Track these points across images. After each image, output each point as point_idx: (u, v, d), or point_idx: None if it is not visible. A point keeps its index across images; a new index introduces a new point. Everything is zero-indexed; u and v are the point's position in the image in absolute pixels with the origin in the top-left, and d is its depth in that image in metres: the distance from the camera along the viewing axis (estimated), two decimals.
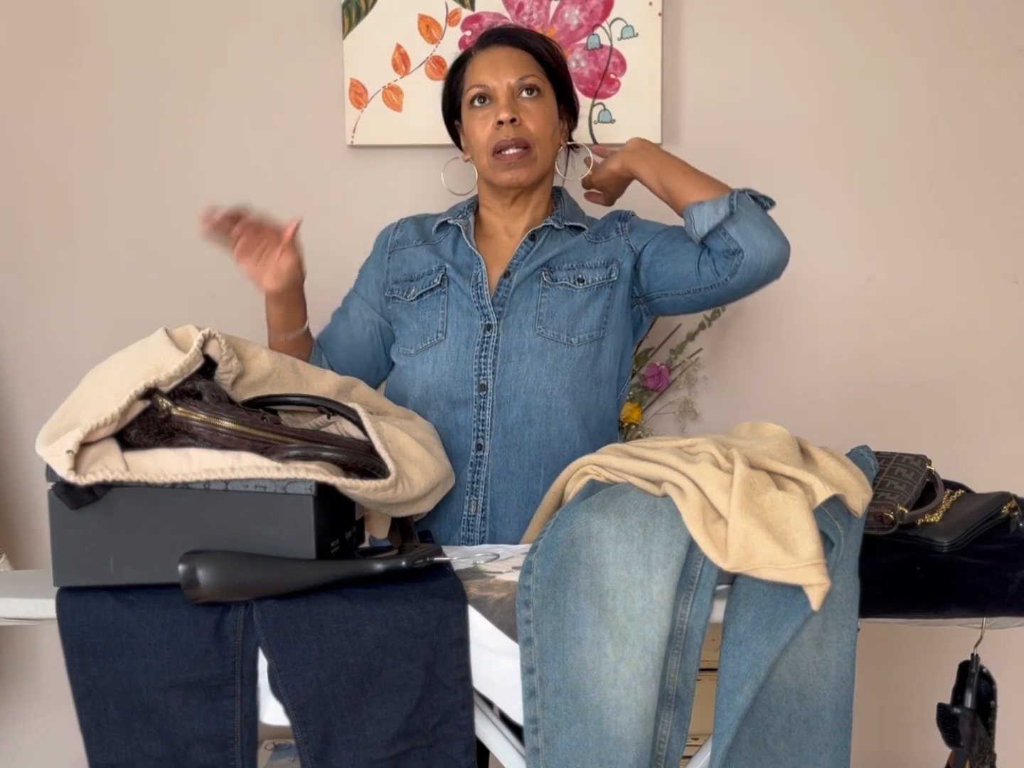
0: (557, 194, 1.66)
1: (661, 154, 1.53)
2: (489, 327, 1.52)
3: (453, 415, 1.51)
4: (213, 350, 1.17)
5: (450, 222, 1.62)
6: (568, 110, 1.61)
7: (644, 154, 1.53)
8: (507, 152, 1.51)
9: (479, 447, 1.51)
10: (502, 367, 1.50)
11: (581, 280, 1.55)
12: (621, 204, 1.69)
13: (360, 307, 1.65)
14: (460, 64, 1.58)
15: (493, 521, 1.50)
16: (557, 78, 1.57)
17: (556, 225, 1.58)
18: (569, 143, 1.66)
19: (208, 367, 1.19)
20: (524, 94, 1.52)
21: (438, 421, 1.52)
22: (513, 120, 1.49)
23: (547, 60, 1.55)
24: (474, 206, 1.64)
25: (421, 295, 1.57)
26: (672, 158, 1.53)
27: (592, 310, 1.54)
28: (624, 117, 2.09)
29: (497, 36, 1.56)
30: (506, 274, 1.55)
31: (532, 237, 1.58)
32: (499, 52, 1.54)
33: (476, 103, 1.54)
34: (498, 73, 1.52)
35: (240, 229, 1.46)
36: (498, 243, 1.61)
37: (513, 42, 1.54)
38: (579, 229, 1.60)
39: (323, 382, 1.32)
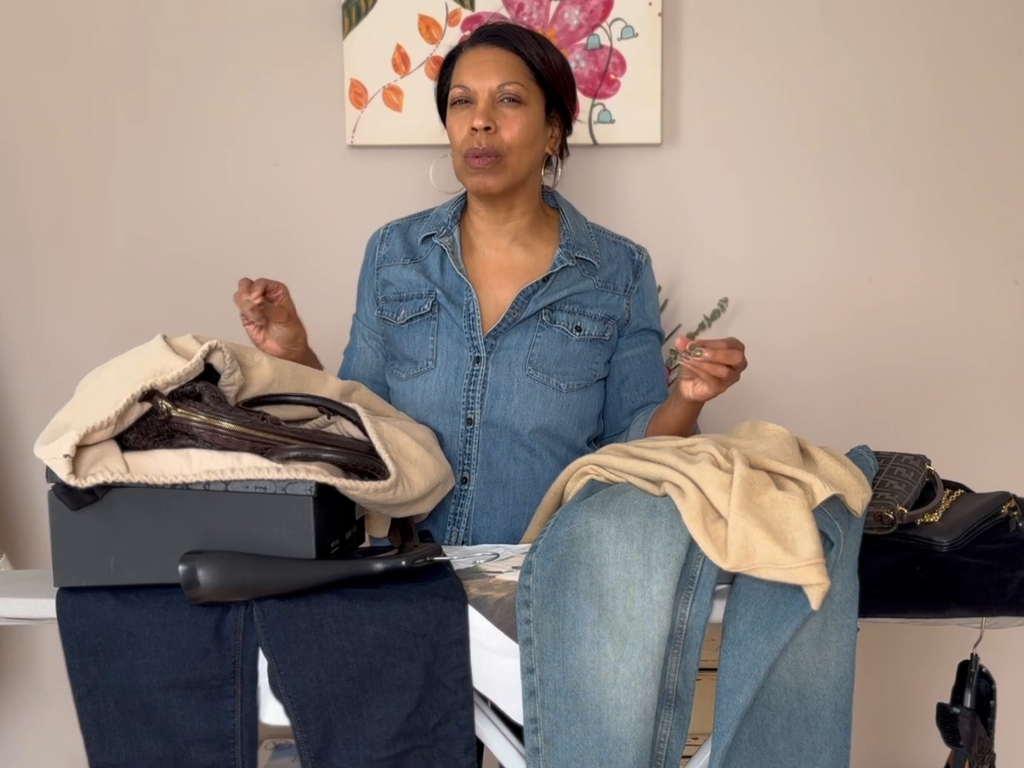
0: (550, 198, 1.62)
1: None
2: (478, 359, 1.50)
3: (440, 446, 1.48)
4: (217, 361, 1.17)
5: (435, 240, 1.56)
6: (560, 116, 1.55)
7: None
8: (476, 160, 1.46)
9: (464, 480, 1.51)
10: (490, 402, 1.50)
11: (579, 328, 1.53)
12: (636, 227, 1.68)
13: (365, 335, 1.62)
14: (451, 59, 1.53)
15: None
16: (548, 85, 1.50)
17: (570, 263, 1.54)
18: (559, 152, 1.60)
19: (210, 374, 1.19)
20: (504, 101, 1.46)
21: None
22: (488, 128, 1.45)
23: (537, 66, 1.48)
24: (457, 215, 1.58)
25: (411, 319, 1.54)
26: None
27: (584, 360, 1.53)
28: (624, 117, 2.09)
29: (488, 35, 1.49)
30: (512, 312, 1.51)
31: (545, 279, 1.53)
32: (487, 53, 1.47)
33: (457, 104, 1.49)
34: (481, 76, 1.46)
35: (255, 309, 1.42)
36: (485, 259, 1.56)
37: (503, 43, 1.48)
38: (588, 264, 1.56)
39: (325, 387, 1.32)
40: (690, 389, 1.37)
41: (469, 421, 1.50)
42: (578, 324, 1.53)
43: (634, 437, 1.54)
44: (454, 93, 1.49)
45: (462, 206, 1.60)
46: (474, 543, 1.50)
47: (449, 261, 1.55)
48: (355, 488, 1.14)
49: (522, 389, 1.50)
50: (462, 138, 1.48)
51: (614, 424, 1.61)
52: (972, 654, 1.23)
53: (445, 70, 1.54)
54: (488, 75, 1.46)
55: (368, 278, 1.62)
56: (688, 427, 1.49)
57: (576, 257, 1.55)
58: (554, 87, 1.51)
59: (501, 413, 1.49)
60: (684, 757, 1.15)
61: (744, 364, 1.36)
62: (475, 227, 1.58)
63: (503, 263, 1.56)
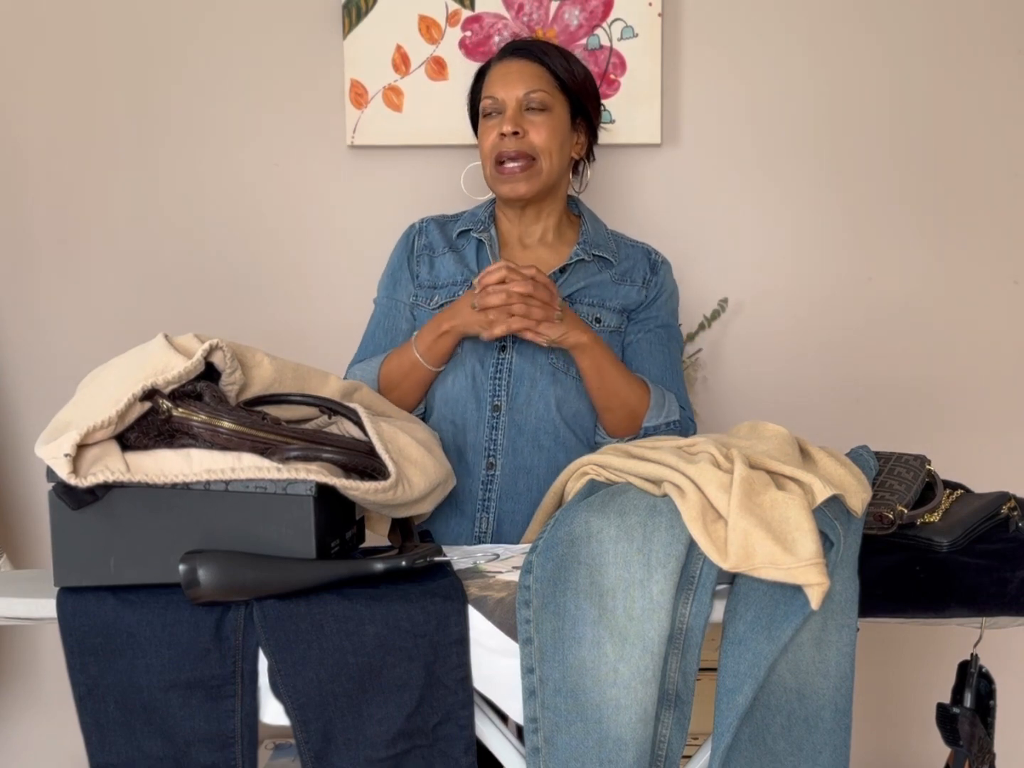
0: (573, 204, 1.68)
1: (603, 355, 1.49)
2: (504, 348, 1.56)
3: (466, 432, 1.55)
4: (218, 360, 1.17)
5: (473, 234, 1.63)
6: (586, 123, 1.63)
7: (591, 353, 1.48)
8: (507, 165, 1.54)
9: (490, 466, 1.55)
10: (515, 389, 1.54)
11: (599, 320, 1.58)
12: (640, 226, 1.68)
13: (405, 317, 1.63)
14: (481, 74, 1.62)
15: (499, 540, 1.53)
16: (572, 93, 1.58)
17: (586, 258, 1.60)
18: (585, 157, 1.67)
19: (211, 373, 1.19)
20: (531, 108, 1.54)
21: (452, 434, 1.55)
22: (516, 133, 1.52)
23: (561, 75, 1.56)
24: (493, 214, 1.65)
25: (443, 305, 1.58)
26: (609, 358, 1.50)
27: None
28: (624, 117, 2.09)
29: (514, 49, 1.59)
30: None
31: (562, 270, 1.59)
32: (512, 65, 1.56)
33: (488, 115, 1.56)
34: (508, 86, 1.54)
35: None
36: (513, 255, 1.63)
37: (527, 55, 1.57)
38: (606, 260, 1.61)
39: (327, 387, 1.32)
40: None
41: (495, 408, 1.54)
42: (597, 316, 1.58)
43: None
44: (484, 104, 1.57)
45: (494, 208, 1.66)
46: (499, 528, 1.54)
47: (487, 253, 1.61)
48: (355, 488, 1.14)
49: (545, 376, 1.54)
50: (490, 144, 1.55)
51: None
52: (972, 654, 1.23)
53: (475, 86, 1.63)
54: (514, 84, 1.54)
55: (409, 263, 1.65)
56: (594, 378, 1.49)
57: (593, 254, 1.61)
58: (578, 95, 1.59)
59: (526, 400, 1.54)
60: (684, 757, 1.15)
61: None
62: (503, 228, 1.65)
63: (529, 260, 1.61)
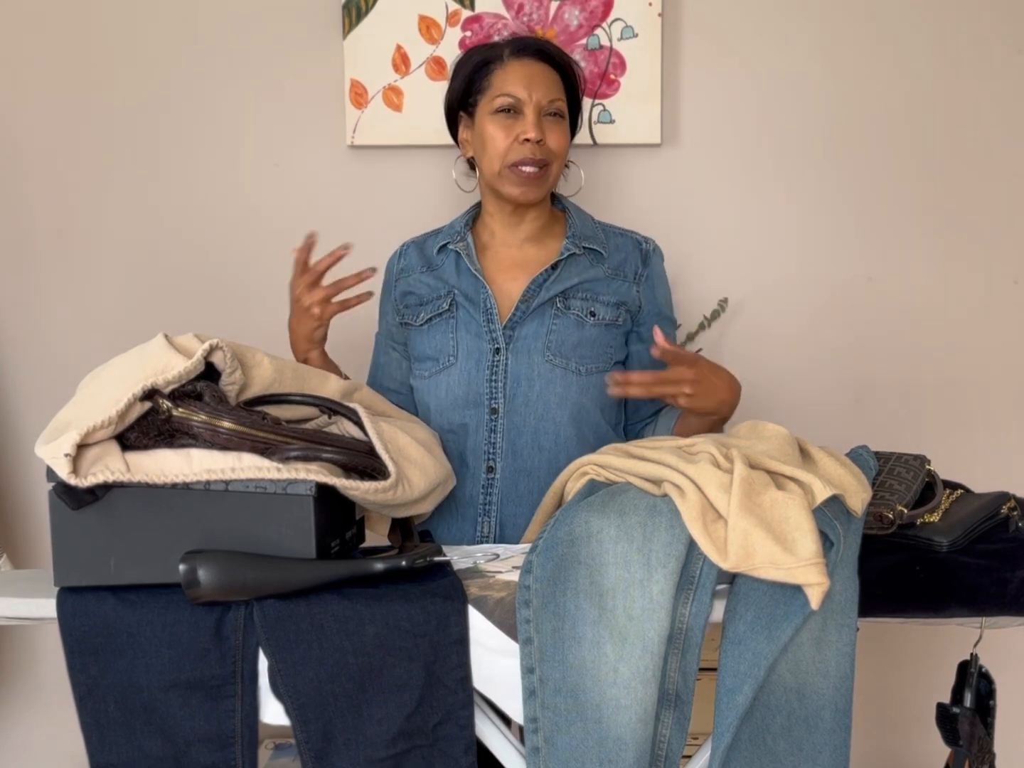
0: (557, 202, 1.67)
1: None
2: (498, 351, 1.55)
3: (465, 437, 1.54)
4: (218, 359, 1.17)
5: (450, 247, 1.62)
6: (571, 128, 1.63)
7: (704, 428, 1.48)
8: (526, 169, 1.52)
9: (490, 469, 1.54)
10: (512, 391, 1.54)
11: (593, 314, 1.57)
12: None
13: (387, 347, 1.69)
14: (487, 62, 1.55)
15: (502, 543, 1.52)
16: (575, 99, 1.59)
17: (576, 251, 1.59)
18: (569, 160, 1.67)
19: (211, 373, 1.19)
20: (550, 115, 1.53)
21: (452, 442, 1.55)
22: (540, 141, 1.51)
23: (572, 83, 1.57)
24: (470, 222, 1.65)
25: (430, 319, 1.59)
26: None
27: (600, 344, 1.57)
28: (624, 117, 2.09)
29: (534, 49, 1.56)
30: (524, 300, 1.56)
31: (554, 267, 1.58)
32: (535, 66, 1.54)
33: (502, 112, 1.53)
34: (531, 88, 1.52)
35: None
36: (498, 256, 1.62)
37: (548, 59, 1.55)
38: (596, 253, 1.61)
39: (326, 387, 1.33)
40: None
41: (493, 411, 1.54)
42: (592, 310, 1.57)
43: (661, 431, 1.59)
44: (501, 101, 1.53)
45: (474, 215, 1.66)
46: (501, 532, 1.53)
47: (464, 263, 1.60)
48: (355, 488, 1.14)
49: (543, 375, 1.54)
50: (507, 146, 1.53)
51: (636, 412, 1.64)
52: (972, 654, 1.23)
53: (477, 72, 1.56)
54: (538, 88, 1.53)
55: (388, 293, 1.68)
56: (682, 434, 1.50)
57: (583, 247, 1.60)
58: (579, 102, 1.61)
59: (524, 400, 1.54)
60: (684, 757, 1.15)
61: (697, 379, 1.39)
62: (489, 229, 1.64)
63: (516, 258, 1.61)
